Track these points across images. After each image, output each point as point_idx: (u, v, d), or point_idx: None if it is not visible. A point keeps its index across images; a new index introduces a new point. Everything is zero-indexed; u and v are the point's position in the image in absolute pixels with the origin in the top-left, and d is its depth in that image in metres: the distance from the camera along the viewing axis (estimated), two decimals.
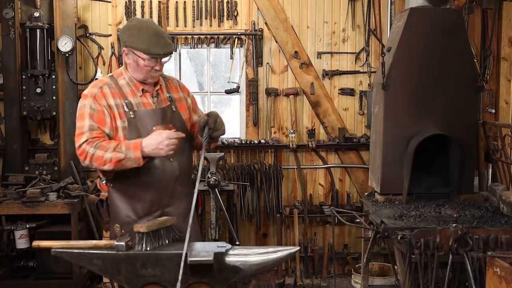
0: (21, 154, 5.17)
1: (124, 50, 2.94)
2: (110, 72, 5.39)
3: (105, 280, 5.03)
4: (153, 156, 2.83)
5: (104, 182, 2.99)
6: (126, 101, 2.92)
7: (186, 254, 2.49)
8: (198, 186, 2.77)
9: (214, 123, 2.90)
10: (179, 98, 3.12)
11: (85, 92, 2.97)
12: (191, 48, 5.66)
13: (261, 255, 2.60)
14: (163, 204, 2.98)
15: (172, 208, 2.99)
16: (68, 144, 5.19)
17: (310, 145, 5.61)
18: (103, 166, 2.83)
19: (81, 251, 2.58)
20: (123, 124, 2.90)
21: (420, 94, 4.19)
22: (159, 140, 2.79)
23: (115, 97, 2.92)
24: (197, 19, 5.60)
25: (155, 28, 2.94)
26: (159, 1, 5.57)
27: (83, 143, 2.85)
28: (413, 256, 3.17)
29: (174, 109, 3.05)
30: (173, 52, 3.03)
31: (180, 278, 2.42)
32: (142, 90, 2.98)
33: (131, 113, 2.91)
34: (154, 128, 2.91)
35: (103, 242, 2.65)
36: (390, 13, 5.44)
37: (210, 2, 5.59)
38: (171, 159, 2.94)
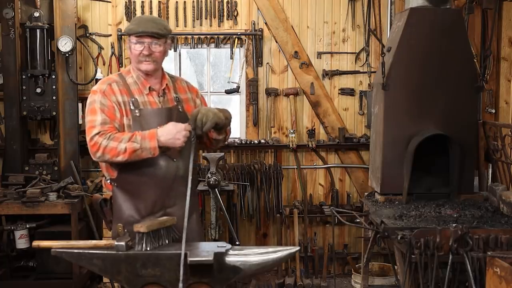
0: (21, 154, 5.16)
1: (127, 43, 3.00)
2: (110, 72, 5.45)
3: (105, 280, 5.03)
4: (169, 146, 2.83)
5: (108, 181, 3.00)
6: (133, 99, 2.94)
7: (186, 254, 2.49)
8: (190, 187, 2.76)
9: (193, 123, 2.84)
10: (187, 99, 3.13)
11: (94, 88, 2.99)
12: (191, 48, 5.66)
13: (261, 255, 2.60)
14: (166, 204, 2.98)
15: (175, 208, 2.99)
16: (68, 144, 5.20)
17: (310, 145, 5.61)
18: (117, 157, 2.82)
19: (81, 251, 2.58)
20: (128, 122, 2.92)
21: (420, 94, 4.19)
22: (176, 130, 2.81)
23: (123, 94, 2.95)
24: (197, 19, 5.60)
25: (152, 17, 2.97)
26: (159, 1, 5.57)
27: (95, 135, 2.85)
28: (413, 256, 3.17)
29: (180, 109, 3.05)
30: (162, 35, 2.94)
31: (181, 278, 2.42)
32: (149, 88, 2.99)
33: (136, 111, 2.92)
34: (158, 127, 2.92)
35: (103, 242, 2.66)
36: (390, 13, 5.44)
37: (210, 2, 5.59)
38: (174, 159, 2.95)
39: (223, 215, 4.82)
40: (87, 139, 2.89)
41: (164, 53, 3.04)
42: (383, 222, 3.52)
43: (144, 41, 2.92)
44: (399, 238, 3.24)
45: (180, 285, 2.41)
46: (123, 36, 5.52)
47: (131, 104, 2.93)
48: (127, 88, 2.97)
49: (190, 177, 2.79)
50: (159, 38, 2.95)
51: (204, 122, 2.81)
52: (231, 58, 5.65)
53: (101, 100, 2.91)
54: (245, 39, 5.63)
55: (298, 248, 2.71)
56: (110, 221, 3.04)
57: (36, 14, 5.14)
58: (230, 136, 5.74)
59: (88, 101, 2.97)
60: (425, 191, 4.19)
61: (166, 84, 3.06)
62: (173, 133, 2.81)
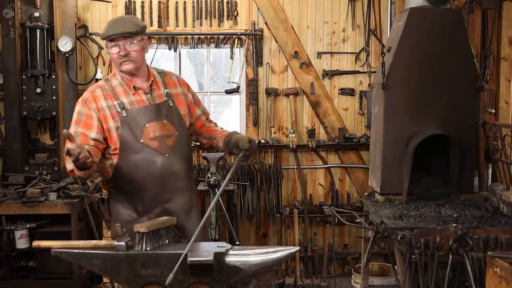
0: (21, 154, 5.17)
1: None
2: (111, 72, 5.44)
3: (105, 280, 5.03)
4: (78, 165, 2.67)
5: (104, 182, 3.01)
6: (118, 101, 2.93)
7: (186, 254, 2.49)
8: (218, 197, 2.82)
9: (249, 150, 2.94)
10: (177, 93, 3.10)
11: (80, 98, 3.02)
12: (191, 48, 5.66)
13: (261, 255, 2.59)
14: (163, 200, 2.98)
15: (172, 203, 2.99)
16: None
17: (310, 145, 5.61)
18: (73, 174, 2.79)
19: (81, 251, 2.58)
20: (116, 124, 2.91)
21: (420, 94, 4.19)
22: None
23: (107, 98, 2.94)
24: (197, 19, 5.60)
25: (122, 17, 2.96)
26: (159, 1, 5.57)
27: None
28: (413, 256, 3.17)
29: (171, 104, 3.03)
30: (133, 33, 2.90)
31: (174, 269, 2.41)
32: (134, 87, 2.98)
33: (123, 112, 2.91)
34: (147, 125, 2.92)
35: (103, 242, 2.65)
36: (390, 13, 5.44)
37: (210, 2, 5.59)
38: (166, 155, 2.94)
39: (223, 215, 4.82)
40: None
41: (142, 50, 2.99)
42: (383, 222, 3.52)
43: (118, 43, 2.90)
44: (399, 238, 3.24)
45: (171, 275, 2.40)
46: None
47: (117, 107, 2.92)
48: (112, 91, 2.96)
49: (222, 189, 2.89)
50: (132, 37, 2.91)
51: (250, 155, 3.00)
52: (231, 58, 5.65)
53: (80, 110, 2.93)
54: (245, 39, 5.63)
55: (298, 248, 2.70)
56: (108, 221, 3.06)
57: (36, 14, 5.14)
58: None
59: None
60: (425, 191, 4.19)
61: (153, 80, 3.03)
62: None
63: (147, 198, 2.95)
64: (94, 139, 2.88)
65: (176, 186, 3.00)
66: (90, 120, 2.90)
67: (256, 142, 3.07)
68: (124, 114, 2.91)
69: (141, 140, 2.91)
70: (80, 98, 2.99)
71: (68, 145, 2.54)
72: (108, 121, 2.91)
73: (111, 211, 3.02)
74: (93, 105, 2.92)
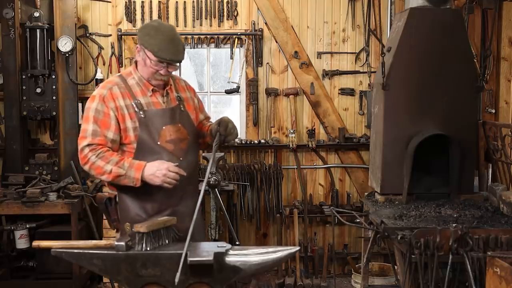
0: (21, 154, 5.17)
1: (137, 47, 2.96)
2: (110, 73, 5.46)
3: (105, 280, 5.03)
4: (148, 182, 2.85)
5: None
6: (136, 101, 2.93)
7: (186, 254, 2.49)
8: (204, 189, 2.80)
9: (225, 130, 2.96)
10: (187, 98, 3.15)
11: (94, 93, 2.98)
12: (191, 48, 5.66)
13: (261, 255, 2.60)
14: (173, 203, 2.99)
15: (181, 206, 3.01)
16: (68, 144, 5.20)
17: (310, 145, 5.61)
18: (101, 176, 2.88)
19: (81, 251, 2.58)
20: (134, 124, 2.91)
21: (420, 94, 4.19)
22: (158, 168, 2.83)
23: (125, 97, 2.93)
24: (197, 19, 5.60)
25: (172, 35, 2.94)
26: (159, 1, 5.57)
27: (85, 146, 2.87)
28: (413, 256, 3.17)
29: (182, 108, 3.07)
30: (181, 61, 3.03)
31: (179, 272, 2.41)
32: (152, 90, 3.00)
33: (141, 113, 2.92)
34: (163, 127, 2.93)
35: (103, 242, 2.66)
36: (390, 13, 5.44)
37: (210, 2, 5.59)
38: (181, 158, 2.97)
39: (223, 215, 4.82)
40: (78, 148, 2.91)
41: None
42: (383, 222, 3.52)
43: (168, 66, 2.94)
44: (399, 238, 3.24)
45: (177, 278, 2.40)
46: (123, 36, 5.53)
47: (135, 107, 2.92)
48: (129, 90, 2.96)
49: (206, 179, 2.87)
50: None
51: (233, 132, 2.98)
52: (231, 58, 5.65)
53: (97, 107, 2.90)
54: (245, 39, 5.63)
55: (298, 248, 2.70)
56: (115, 220, 3.05)
57: (36, 14, 5.14)
58: None
59: (86, 106, 2.97)
60: (425, 191, 4.19)
61: (170, 85, 3.07)
62: (154, 170, 2.83)
63: (158, 200, 2.96)
64: (112, 140, 2.90)
65: (186, 189, 3.02)
66: (108, 119, 2.89)
67: (231, 123, 3.02)
68: (142, 115, 2.92)
69: (158, 143, 2.93)
70: (96, 94, 2.94)
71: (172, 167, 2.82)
72: (125, 121, 2.91)
73: (118, 211, 3.02)
74: (111, 103, 2.90)
